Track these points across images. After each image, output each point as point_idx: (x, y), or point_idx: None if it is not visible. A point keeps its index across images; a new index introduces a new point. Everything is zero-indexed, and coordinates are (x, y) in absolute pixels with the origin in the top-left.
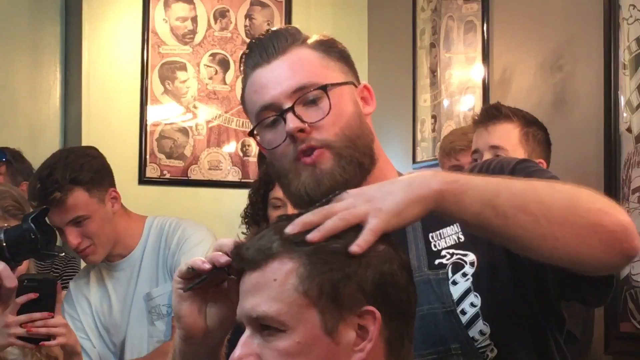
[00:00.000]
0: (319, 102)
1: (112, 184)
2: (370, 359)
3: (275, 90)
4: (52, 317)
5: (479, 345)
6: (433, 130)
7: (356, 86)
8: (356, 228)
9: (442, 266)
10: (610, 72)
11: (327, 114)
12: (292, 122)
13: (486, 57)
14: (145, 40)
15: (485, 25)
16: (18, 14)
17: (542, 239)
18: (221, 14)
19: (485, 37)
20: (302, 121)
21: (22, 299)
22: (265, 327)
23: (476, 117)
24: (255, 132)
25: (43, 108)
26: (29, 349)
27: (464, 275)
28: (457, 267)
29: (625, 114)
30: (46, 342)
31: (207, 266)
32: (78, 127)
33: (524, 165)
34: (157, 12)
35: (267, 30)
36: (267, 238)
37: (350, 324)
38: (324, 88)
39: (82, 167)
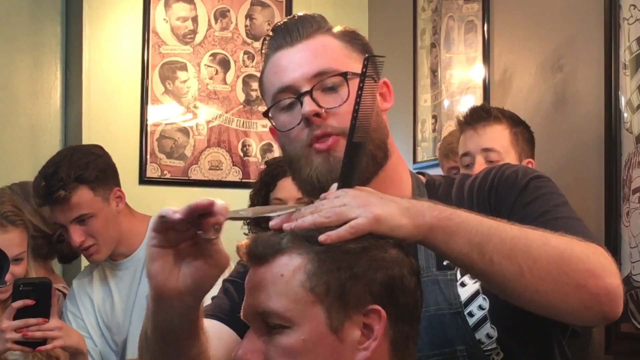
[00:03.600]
0: (338, 89)
1: (117, 183)
2: (375, 358)
3: (296, 73)
4: (47, 321)
5: (485, 349)
6: (434, 130)
7: (376, 81)
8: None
9: (451, 267)
10: (610, 72)
11: (345, 101)
12: (308, 105)
13: (487, 57)
14: (145, 40)
15: (485, 25)
16: (18, 14)
17: (523, 289)
18: (222, 14)
19: (486, 37)
20: (319, 106)
21: (18, 304)
22: (271, 323)
23: (462, 119)
24: (270, 114)
25: (43, 108)
26: (27, 352)
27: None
28: None
29: (625, 114)
30: (42, 347)
31: (177, 216)
32: (78, 127)
33: (537, 184)
34: (158, 12)
35: (294, 16)
36: (277, 233)
37: (355, 322)
38: (345, 75)
39: (87, 165)
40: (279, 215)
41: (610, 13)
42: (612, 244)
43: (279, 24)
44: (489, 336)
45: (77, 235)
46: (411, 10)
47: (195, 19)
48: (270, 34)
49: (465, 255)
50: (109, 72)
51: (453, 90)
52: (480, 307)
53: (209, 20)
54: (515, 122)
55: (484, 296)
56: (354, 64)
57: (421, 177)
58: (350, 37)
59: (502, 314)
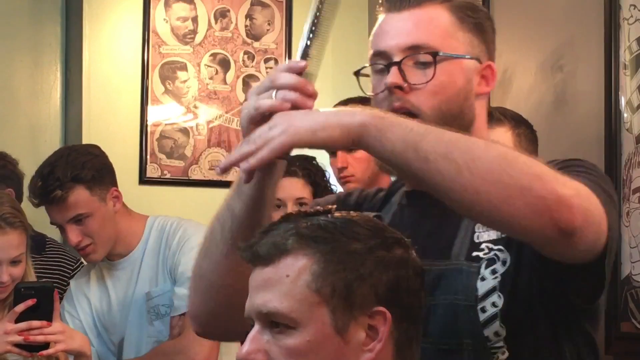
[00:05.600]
0: (428, 68)
1: (113, 183)
2: (379, 359)
3: (392, 41)
4: (50, 325)
5: (492, 346)
6: None
7: (480, 62)
8: (374, 231)
9: (478, 259)
10: (610, 72)
11: (427, 81)
12: (392, 77)
13: None
14: (145, 40)
15: None
16: (18, 14)
17: (463, 190)
18: (222, 14)
19: None
20: (405, 80)
21: (21, 307)
22: (275, 323)
23: None
24: (360, 73)
25: (43, 108)
26: (26, 356)
27: (494, 272)
28: (490, 262)
29: (625, 114)
30: (44, 351)
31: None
32: (78, 127)
33: (574, 163)
34: (158, 12)
35: None
36: (282, 234)
37: (360, 323)
38: (435, 55)
39: (84, 165)
40: None
41: (610, 13)
42: None
43: None
44: (497, 334)
45: (74, 235)
46: None
47: (195, 19)
48: None
49: (400, 153)
50: (109, 72)
51: None
52: (494, 305)
53: (209, 20)
54: (517, 123)
55: (499, 294)
56: (454, 44)
57: None
58: (465, 13)
59: (514, 314)
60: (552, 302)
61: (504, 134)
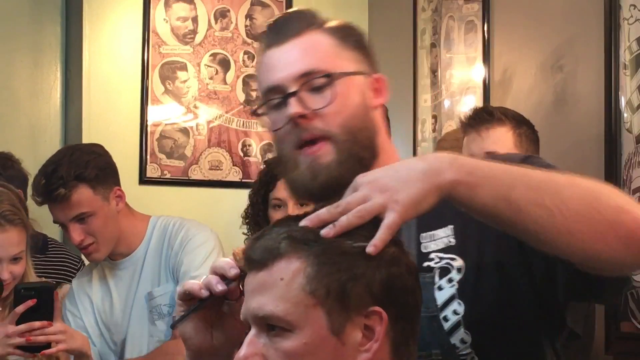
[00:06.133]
0: (325, 90)
1: (117, 182)
2: (376, 359)
3: (283, 73)
4: (51, 325)
5: (461, 353)
6: (434, 130)
7: (369, 76)
8: (368, 226)
9: (429, 269)
10: (610, 72)
11: (330, 102)
12: (293, 107)
13: (487, 57)
14: (145, 40)
15: (485, 25)
16: (18, 14)
17: (557, 233)
18: (222, 14)
19: (486, 37)
20: (305, 107)
21: (21, 308)
22: (272, 326)
23: (465, 121)
24: (259, 112)
25: (43, 108)
26: (28, 357)
27: (450, 281)
28: (444, 272)
29: (625, 114)
30: (46, 351)
31: (205, 293)
32: (78, 127)
33: (531, 161)
34: (158, 12)
35: (286, 12)
36: (274, 237)
37: (356, 324)
38: (328, 77)
39: (88, 164)
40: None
41: (610, 13)
42: None
43: (271, 20)
44: (463, 341)
45: (76, 234)
46: (411, 10)
47: (195, 19)
48: (264, 30)
49: (492, 207)
50: (109, 72)
51: (453, 90)
52: (455, 312)
53: (209, 20)
54: (519, 123)
55: (459, 301)
56: (343, 63)
57: None
58: (344, 33)
59: (477, 319)
60: (532, 307)
61: (505, 134)
